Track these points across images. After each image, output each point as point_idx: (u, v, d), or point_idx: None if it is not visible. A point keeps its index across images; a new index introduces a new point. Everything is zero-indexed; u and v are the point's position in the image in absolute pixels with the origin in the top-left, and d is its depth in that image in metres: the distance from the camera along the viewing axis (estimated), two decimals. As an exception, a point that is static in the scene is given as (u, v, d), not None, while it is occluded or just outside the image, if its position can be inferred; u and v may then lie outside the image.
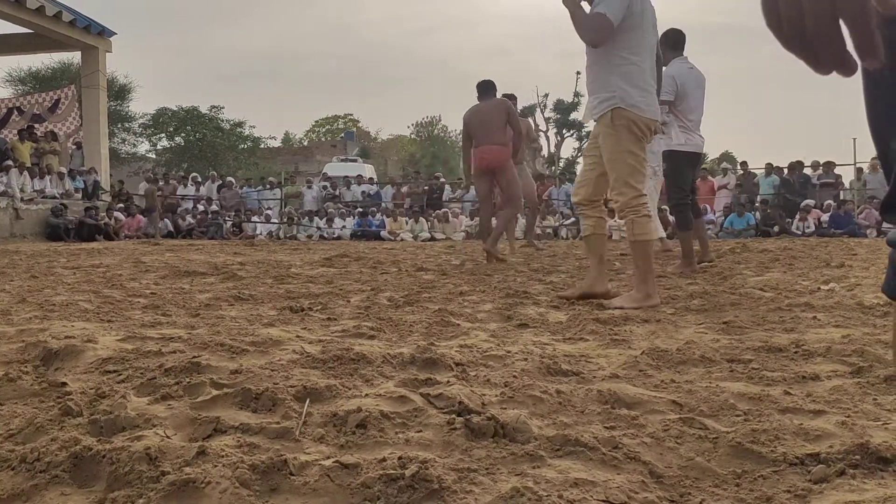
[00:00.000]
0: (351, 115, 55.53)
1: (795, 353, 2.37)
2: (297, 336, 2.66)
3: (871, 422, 1.64)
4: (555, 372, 2.13)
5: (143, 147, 36.07)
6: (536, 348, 2.50)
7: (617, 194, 3.76)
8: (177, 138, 35.20)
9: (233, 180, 21.23)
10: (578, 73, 39.28)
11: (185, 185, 20.22)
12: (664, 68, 5.60)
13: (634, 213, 3.71)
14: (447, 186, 20.49)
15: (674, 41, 5.99)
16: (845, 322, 2.98)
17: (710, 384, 1.98)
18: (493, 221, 7.26)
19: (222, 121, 35.41)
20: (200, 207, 18.96)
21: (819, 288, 4.23)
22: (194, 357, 2.19)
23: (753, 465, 1.40)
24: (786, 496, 1.27)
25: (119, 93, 32.50)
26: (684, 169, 6.08)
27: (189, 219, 18.06)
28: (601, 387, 1.92)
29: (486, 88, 7.24)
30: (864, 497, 1.23)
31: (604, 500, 1.24)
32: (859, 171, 16.74)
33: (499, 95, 7.45)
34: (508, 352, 2.41)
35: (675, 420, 1.64)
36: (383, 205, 19.02)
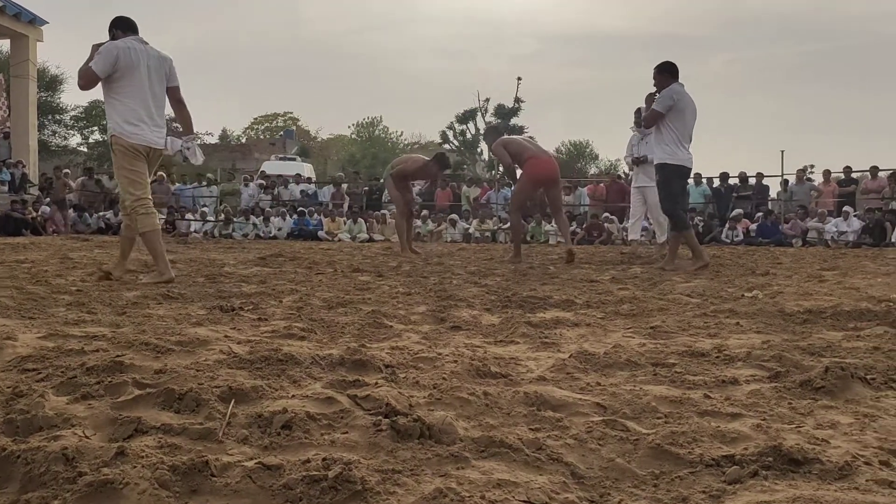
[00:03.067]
0: (291, 112, 54.64)
1: (717, 357, 2.44)
2: (226, 336, 2.62)
3: (786, 425, 1.70)
4: (484, 374, 2.15)
5: (75, 140, 35.03)
6: (467, 350, 2.52)
7: (122, 200, 4.83)
8: (110, 132, 34.21)
9: (164, 175, 20.73)
10: (520, 78, 39.59)
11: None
12: (665, 89, 6.68)
13: (135, 213, 4.74)
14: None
15: (669, 70, 6.79)
16: (766, 328, 3.08)
17: (634, 387, 2.02)
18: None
19: (157, 115, 34.55)
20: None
21: (743, 295, 4.35)
22: (118, 356, 2.15)
23: (671, 467, 1.44)
24: (701, 496, 1.30)
25: (50, 83, 31.52)
26: (674, 180, 6.75)
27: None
28: (528, 389, 1.94)
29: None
30: (775, 497, 1.28)
31: (525, 501, 1.26)
32: (786, 182, 17.25)
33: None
34: (439, 354, 2.42)
35: (599, 422, 1.67)
36: (322, 204, 18.83)
